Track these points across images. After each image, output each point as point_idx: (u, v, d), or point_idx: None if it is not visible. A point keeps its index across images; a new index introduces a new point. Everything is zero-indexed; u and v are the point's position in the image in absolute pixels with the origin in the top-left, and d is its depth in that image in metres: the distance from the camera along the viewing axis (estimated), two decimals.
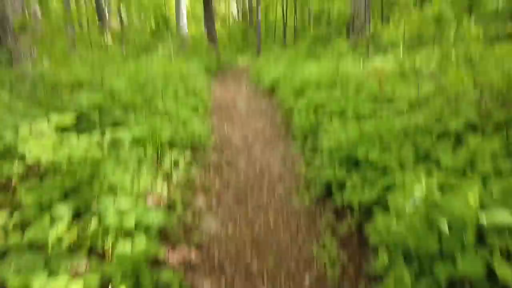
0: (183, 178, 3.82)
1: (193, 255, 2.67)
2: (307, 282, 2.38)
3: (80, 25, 23.81)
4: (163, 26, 13.43)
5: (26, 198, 2.37)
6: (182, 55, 10.85)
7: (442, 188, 2.05)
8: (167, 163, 3.83)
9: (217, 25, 33.42)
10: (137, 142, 3.58)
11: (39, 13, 6.25)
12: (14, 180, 2.77)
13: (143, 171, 3.21)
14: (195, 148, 4.72)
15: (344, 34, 13.07)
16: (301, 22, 28.75)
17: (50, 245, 2.04)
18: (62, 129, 2.88)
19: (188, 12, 18.16)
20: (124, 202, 2.46)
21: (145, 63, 7.21)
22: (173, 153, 3.99)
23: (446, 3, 3.60)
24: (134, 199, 2.67)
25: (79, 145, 2.71)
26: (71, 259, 2.10)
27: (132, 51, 11.60)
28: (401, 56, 4.49)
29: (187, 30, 15.86)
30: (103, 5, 19.33)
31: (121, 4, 14.58)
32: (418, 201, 1.93)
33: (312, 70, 6.37)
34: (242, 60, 15.97)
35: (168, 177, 3.71)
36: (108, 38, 16.75)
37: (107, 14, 19.95)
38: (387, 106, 4.09)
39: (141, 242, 2.21)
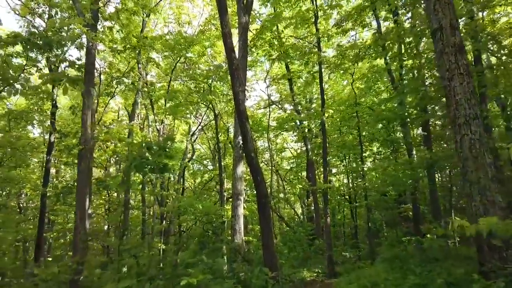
0: None
1: None
2: None
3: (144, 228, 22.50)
4: (216, 231, 10.53)
5: None
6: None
7: None
8: None
9: (282, 227, 30.86)
10: None
11: None
12: None
13: None
14: None
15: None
16: (373, 222, 24.99)
17: None
18: None
19: (245, 215, 15.67)
20: None
21: None
22: None
23: None
24: None
25: None
26: None
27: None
28: None
29: (243, 236, 12.83)
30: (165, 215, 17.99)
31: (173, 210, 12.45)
32: None
33: None
34: (310, 275, 11.91)
35: None
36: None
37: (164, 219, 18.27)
38: None
39: None
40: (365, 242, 25.44)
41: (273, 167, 26.03)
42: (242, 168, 13.35)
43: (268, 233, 8.42)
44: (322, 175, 22.01)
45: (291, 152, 32.00)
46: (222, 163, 17.26)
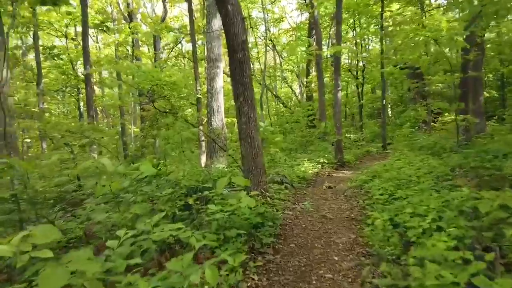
0: None
1: None
2: None
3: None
4: (175, 110, 6.48)
5: None
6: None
7: None
8: None
9: (278, 107, 27.19)
10: None
11: None
12: None
13: None
14: None
15: None
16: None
17: None
18: None
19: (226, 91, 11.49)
20: None
21: None
22: None
23: None
24: None
25: None
26: None
27: None
28: None
29: (224, 116, 8.97)
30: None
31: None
32: None
33: None
34: (313, 166, 8.38)
35: None
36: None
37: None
38: None
39: None
40: (369, 123, 22.13)
41: (267, 40, 20.90)
42: (220, 22, 8.67)
43: (248, 110, 4.41)
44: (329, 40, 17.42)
45: (290, 24, 26.33)
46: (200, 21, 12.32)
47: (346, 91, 23.21)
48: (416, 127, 15.78)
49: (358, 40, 18.49)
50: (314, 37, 13.19)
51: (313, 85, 20.73)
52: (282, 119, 19.61)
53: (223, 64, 9.71)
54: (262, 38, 24.42)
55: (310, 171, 7.96)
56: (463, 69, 8.41)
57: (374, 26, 17.06)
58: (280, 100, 24.00)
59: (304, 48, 13.85)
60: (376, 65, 20.76)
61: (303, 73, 22.61)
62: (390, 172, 5.81)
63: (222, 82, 8.83)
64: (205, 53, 9.19)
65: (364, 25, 17.69)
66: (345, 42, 19.55)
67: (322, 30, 19.48)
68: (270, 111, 21.68)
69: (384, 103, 13.13)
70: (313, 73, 21.69)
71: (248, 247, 3.08)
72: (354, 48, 18.43)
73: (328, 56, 21.43)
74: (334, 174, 8.06)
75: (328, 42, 21.40)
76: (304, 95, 22.55)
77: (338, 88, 9.26)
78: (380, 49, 13.17)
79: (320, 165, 8.62)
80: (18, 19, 9.99)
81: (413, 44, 7.86)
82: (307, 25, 20.52)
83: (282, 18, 24.57)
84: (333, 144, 10.49)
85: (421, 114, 11.25)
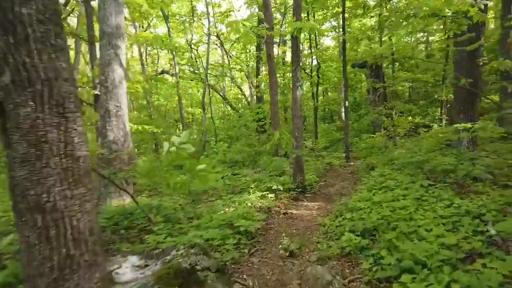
0: None
1: None
2: None
3: None
4: None
5: None
6: None
7: None
8: None
9: (226, 110, 24.17)
10: None
11: None
12: None
13: None
14: None
15: None
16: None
17: None
18: None
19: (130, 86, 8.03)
20: None
21: None
22: None
23: None
24: None
25: None
26: None
27: None
28: None
29: (127, 126, 5.76)
30: None
31: None
32: None
33: None
34: (262, 195, 5.51)
35: None
36: None
37: None
38: None
39: None
40: (325, 127, 20.05)
41: (209, 31, 17.86)
42: None
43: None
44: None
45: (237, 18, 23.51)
46: None
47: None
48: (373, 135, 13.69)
49: (311, 35, 16.09)
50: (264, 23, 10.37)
51: (263, 85, 18.06)
52: (229, 122, 16.68)
53: (127, 44, 6.48)
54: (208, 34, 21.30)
55: (258, 206, 5.07)
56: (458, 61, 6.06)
57: (330, 18, 14.78)
58: (227, 102, 21.02)
59: (248, 24, 10.81)
60: (331, 64, 18.69)
61: (253, 72, 19.89)
62: (402, 230, 3.05)
63: (123, 70, 5.60)
64: (100, 25, 5.87)
65: (320, 17, 15.32)
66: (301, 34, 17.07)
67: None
68: (214, 114, 18.59)
69: (346, 104, 10.70)
70: (264, 72, 19.03)
71: None
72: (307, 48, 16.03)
73: (281, 52, 18.97)
74: (293, 211, 5.23)
75: (279, 41, 18.87)
76: (254, 96, 19.74)
77: (298, 84, 6.47)
78: (342, 39, 10.73)
79: (273, 194, 5.74)
80: None
81: (403, 20, 5.31)
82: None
83: (229, 11, 21.53)
84: (287, 157, 7.78)
85: (400, 121, 8.96)
